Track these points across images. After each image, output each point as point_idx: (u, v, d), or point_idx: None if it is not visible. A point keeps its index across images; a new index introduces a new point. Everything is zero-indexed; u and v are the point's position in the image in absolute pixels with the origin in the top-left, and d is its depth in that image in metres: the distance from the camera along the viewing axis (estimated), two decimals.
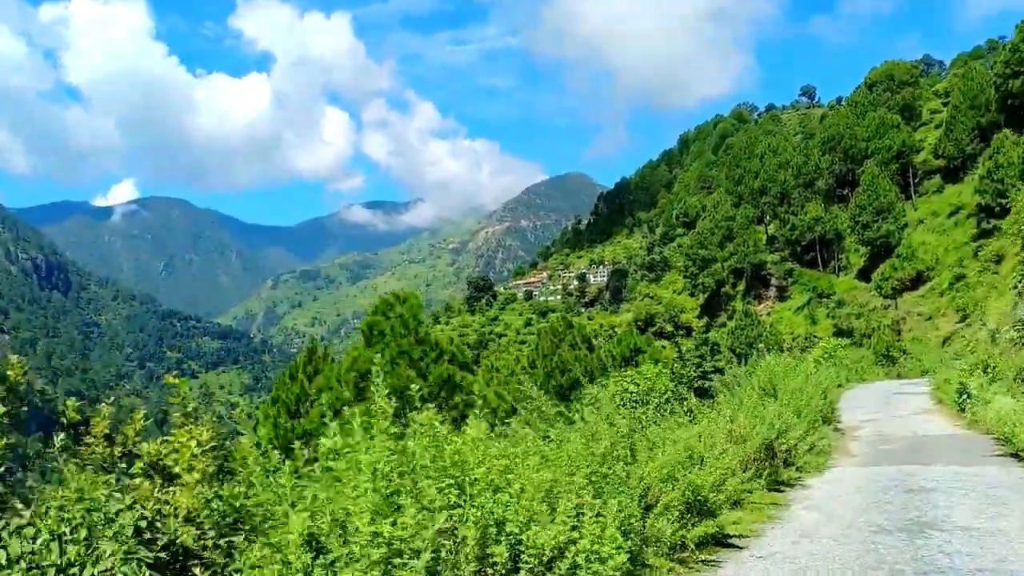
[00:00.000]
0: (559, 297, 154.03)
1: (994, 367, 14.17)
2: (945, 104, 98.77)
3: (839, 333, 67.30)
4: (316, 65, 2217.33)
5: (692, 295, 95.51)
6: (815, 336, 68.93)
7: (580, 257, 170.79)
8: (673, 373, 12.17)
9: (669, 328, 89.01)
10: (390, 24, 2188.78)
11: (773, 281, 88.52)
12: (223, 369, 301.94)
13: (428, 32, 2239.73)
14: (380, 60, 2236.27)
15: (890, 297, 70.82)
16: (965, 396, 14.29)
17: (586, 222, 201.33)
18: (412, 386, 4.92)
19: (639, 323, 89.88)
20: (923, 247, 75.42)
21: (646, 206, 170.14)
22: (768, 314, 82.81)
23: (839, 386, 29.86)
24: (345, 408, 4.65)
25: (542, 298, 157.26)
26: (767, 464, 7.71)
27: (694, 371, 12.80)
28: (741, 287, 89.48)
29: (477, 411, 5.36)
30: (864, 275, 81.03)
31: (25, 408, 4.75)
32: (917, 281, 71.53)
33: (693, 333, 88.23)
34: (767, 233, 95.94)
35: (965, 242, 73.54)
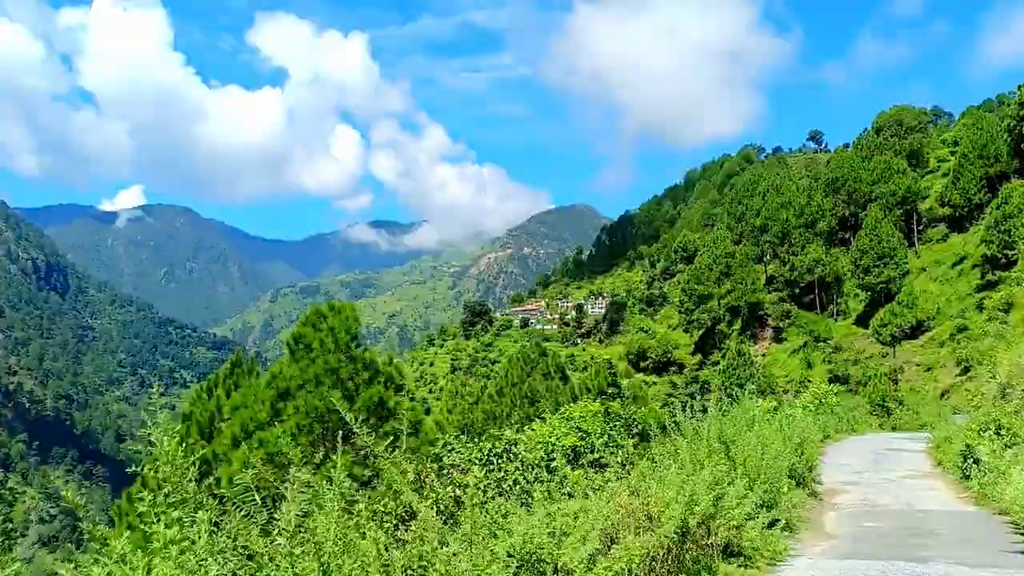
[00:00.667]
0: (555, 327, 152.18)
1: (1010, 430, 11.89)
2: (953, 153, 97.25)
3: (834, 379, 64.81)
4: (330, 83, 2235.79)
5: (687, 331, 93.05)
6: (809, 380, 66.49)
7: (579, 288, 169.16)
8: (608, 414, 9.90)
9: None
10: (406, 47, 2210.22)
11: (770, 322, 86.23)
12: None
13: (443, 57, 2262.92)
14: (394, 81, 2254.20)
15: (888, 344, 68.47)
16: (971, 462, 12.01)
17: (588, 253, 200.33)
18: None
19: (630, 356, 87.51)
20: (925, 296, 73.30)
21: (649, 240, 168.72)
22: (763, 355, 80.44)
23: (826, 437, 27.43)
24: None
25: (539, 326, 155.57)
26: (692, 556, 5.38)
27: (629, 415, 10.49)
28: (737, 326, 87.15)
29: None
30: (863, 321, 78.75)
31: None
32: (917, 330, 69.27)
33: (685, 370, 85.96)
34: (766, 273, 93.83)
35: (968, 293, 71.48)
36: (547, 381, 31.09)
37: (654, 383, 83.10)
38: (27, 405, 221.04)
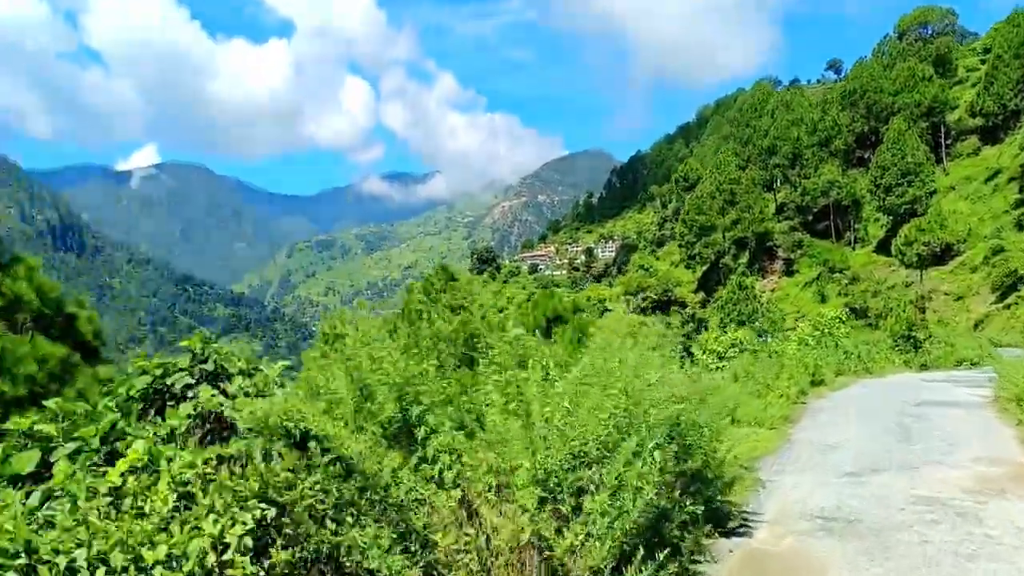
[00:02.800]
0: (565, 271, 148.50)
1: None
2: (984, 61, 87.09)
3: (852, 313, 57.27)
4: (337, 33, 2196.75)
5: (688, 267, 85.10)
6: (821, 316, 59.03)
7: (590, 232, 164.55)
8: None
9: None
10: None
11: (780, 253, 78.15)
12: (234, 336, 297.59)
13: (450, 2, 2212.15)
14: (401, 29, 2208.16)
15: (914, 267, 60.40)
16: None
17: (598, 197, 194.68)
18: None
19: (628, 296, 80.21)
20: (954, 217, 64.79)
21: (660, 181, 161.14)
22: (772, 290, 72.81)
23: (819, 383, 20.05)
24: None
25: (548, 272, 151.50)
26: None
27: None
28: (744, 259, 79.14)
29: None
30: (884, 248, 70.62)
31: None
32: (945, 255, 61.19)
33: (686, 309, 78.57)
34: (776, 200, 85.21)
35: (1004, 210, 63.14)
36: (453, 316, 24.32)
37: (653, 323, 76.09)
38: None
